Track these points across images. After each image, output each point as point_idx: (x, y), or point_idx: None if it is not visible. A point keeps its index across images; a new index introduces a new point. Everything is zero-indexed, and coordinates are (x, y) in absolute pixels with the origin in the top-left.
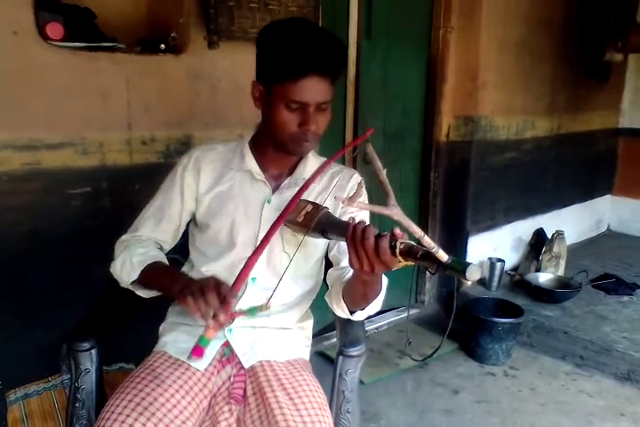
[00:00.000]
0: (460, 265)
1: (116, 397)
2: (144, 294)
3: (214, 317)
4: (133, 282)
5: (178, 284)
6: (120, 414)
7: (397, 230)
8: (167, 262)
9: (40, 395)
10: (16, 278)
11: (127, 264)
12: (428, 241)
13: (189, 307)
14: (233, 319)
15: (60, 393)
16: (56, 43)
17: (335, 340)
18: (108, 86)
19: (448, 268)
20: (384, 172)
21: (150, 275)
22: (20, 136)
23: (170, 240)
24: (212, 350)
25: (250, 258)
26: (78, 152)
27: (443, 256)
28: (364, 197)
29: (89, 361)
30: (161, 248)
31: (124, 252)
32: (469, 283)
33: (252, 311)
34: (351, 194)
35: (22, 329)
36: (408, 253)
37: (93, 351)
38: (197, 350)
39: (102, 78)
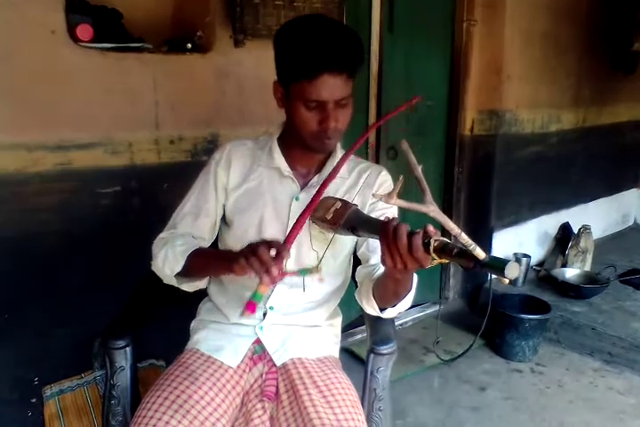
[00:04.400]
0: (498, 263)
1: (151, 394)
2: (188, 287)
3: (267, 271)
4: (177, 274)
5: (229, 255)
6: (156, 411)
7: (430, 227)
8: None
9: (74, 391)
10: (47, 277)
11: (170, 257)
12: (465, 238)
13: (243, 266)
14: (284, 277)
15: (93, 389)
16: (85, 44)
17: (360, 336)
18: (135, 86)
19: (486, 266)
20: (420, 168)
21: (195, 261)
22: (51, 137)
23: (207, 235)
24: (244, 347)
25: (300, 216)
26: (108, 152)
27: (480, 254)
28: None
29: (124, 359)
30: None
31: (164, 247)
32: (507, 281)
33: (303, 272)
34: (385, 190)
35: (54, 327)
36: (442, 250)
37: (128, 349)
38: (251, 306)
39: (130, 78)
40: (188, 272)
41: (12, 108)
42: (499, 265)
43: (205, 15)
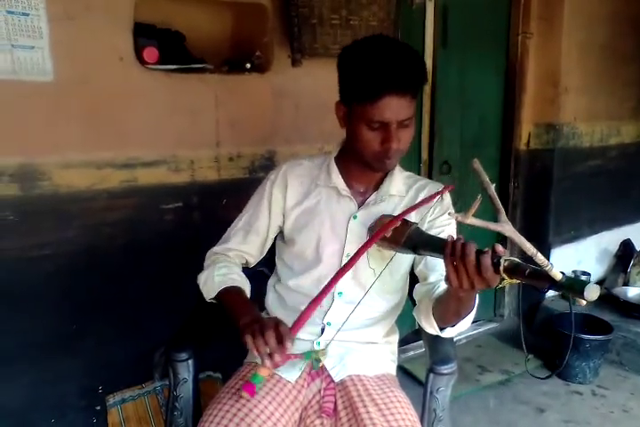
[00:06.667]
0: (577, 284)
1: (213, 407)
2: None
3: (270, 356)
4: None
5: (244, 318)
6: (219, 424)
7: (499, 246)
8: (244, 287)
9: (135, 401)
10: (111, 289)
11: (209, 282)
12: (541, 258)
13: (248, 344)
14: (287, 361)
15: (153, 399)
16: (151, 66)
17: (412, 353)
18: (198, 106)
19: (563, 287)
20: (492, 186)
21: (225, 299)
22: (119, 155)
23: (256, 253)
24: (302, 362)
25: (313, 300)
26: (171, 169)
27: (557, 275)
28: (450, 208)
29: (187, 371)
30: (246, 262)
31: (210, 267)
32: (584, 302)
33: (307, 356)
34: (443, 208)
35: (117, 338)
36: (514, 270)
37: (190, 362)
38: (249, 387)
39: (193, 98)
40: (219, 302)
41: (85, 128)
42: (578, 287)
43: (263, 35)
